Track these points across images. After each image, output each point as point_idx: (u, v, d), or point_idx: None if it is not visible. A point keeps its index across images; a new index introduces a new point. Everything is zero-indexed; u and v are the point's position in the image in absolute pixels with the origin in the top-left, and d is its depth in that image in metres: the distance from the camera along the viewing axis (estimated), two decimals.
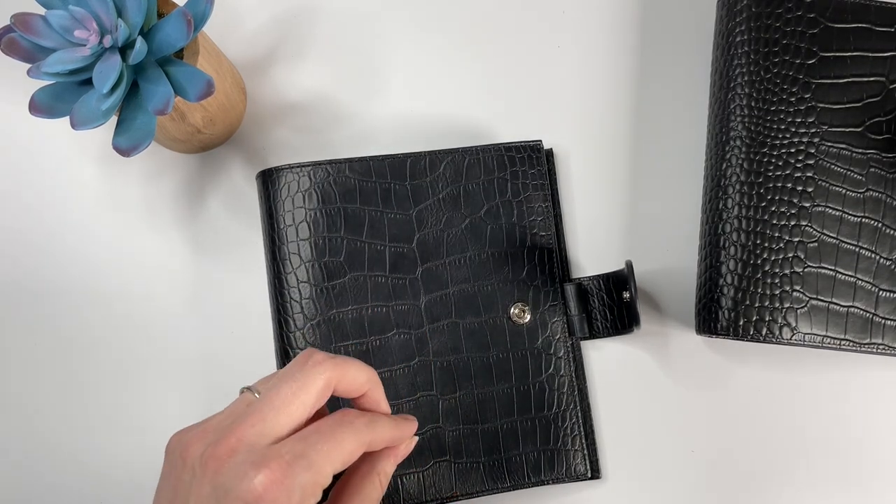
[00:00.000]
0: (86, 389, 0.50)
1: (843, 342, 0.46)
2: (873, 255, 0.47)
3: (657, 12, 0.55)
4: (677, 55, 0.54)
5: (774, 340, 0.45)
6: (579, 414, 0.48)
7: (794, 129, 0.47)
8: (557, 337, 0.49)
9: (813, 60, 0.48)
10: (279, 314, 0.48)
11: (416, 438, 0.41)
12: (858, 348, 0.46)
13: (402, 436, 0.39)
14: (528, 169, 0.50)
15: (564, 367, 0.48)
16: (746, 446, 0.49)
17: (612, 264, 0.51)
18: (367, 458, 0.39)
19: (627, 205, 0.52)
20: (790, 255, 0.46)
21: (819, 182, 0.47)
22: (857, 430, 0.49)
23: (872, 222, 0.47)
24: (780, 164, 0.47)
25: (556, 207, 0.52)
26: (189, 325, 0.51)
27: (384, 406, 0.40)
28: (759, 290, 0.46)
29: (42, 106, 0.44)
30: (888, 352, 0.46)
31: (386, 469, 0.39)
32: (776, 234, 0.46)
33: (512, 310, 0.49)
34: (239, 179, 0.53)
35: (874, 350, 0.46)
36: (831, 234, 0.46)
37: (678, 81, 0.54)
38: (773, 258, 0.46)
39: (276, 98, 0.54)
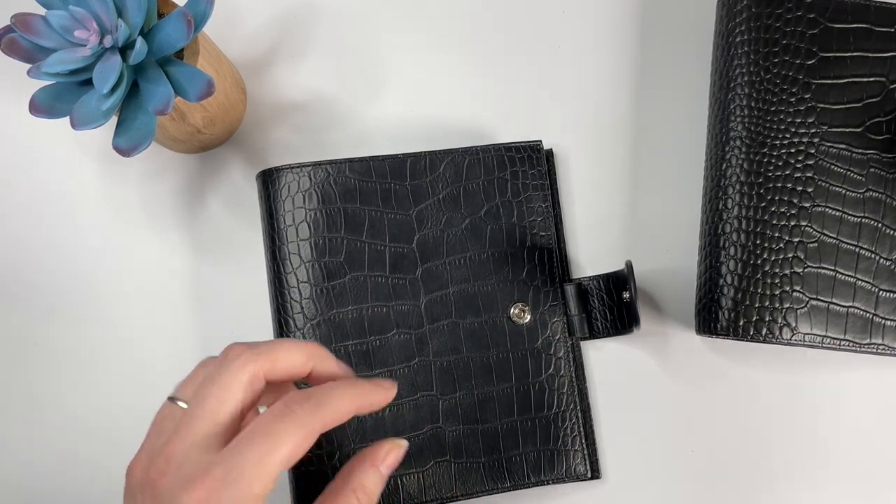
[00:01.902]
0: (85, 389, 0.50)
1: (843, 342, 0.46)
2: (873, 256, 0.47)
3: (657, 12, 0.55)
4: (677, 55, 0.54)
5: (774, 340, 0.45)
6: (579, 414, 0.48)
7: (794, 130, 0.47)
8: (557, 337, 0.49)
9: (813, 61, 0.48)
10: (279, 314, 0.48)
11: (403, 445, 0.37)
12: (858, 348, 0.46)
13: (369, 402, 0.35)
14: (527, 169, 0.50)
15: (564, 367, 0.49)
16: (746, 446, 0.49)
17: (612, 264, 0.51)
18: (341, 475, 0.36)
19: (627, 205, 0.52)
20: (790, 255, 0.46)
21: (819, 182, 0.47)
22: (857, 429, 0.49)
23: (872, 222, 0.47)
24: (780, 164, 0.47)
25: (555, 207, 0.52)
26: (189, 325, 0.51)
27: (341, 373, 0.37)
28: (759, 290, 0.46)
29: (42, 106, 0.44)
30: (888, 352, 0.46)
31: (365, 483, 0.35)
32: (776, 235, 0.46)
33: (512, 310, 0.49)
34: (239, 179, 0.53)
35: (874, 350, 0.46)
36: (831, 235, 0.46)
37: (678, 81, 0.54)
38: (773, 258, 0.46)
39: (276, 98, 0.54)
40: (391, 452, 0.36)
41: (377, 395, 0.36)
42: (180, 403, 0.34)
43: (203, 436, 0.32)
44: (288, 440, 0.32)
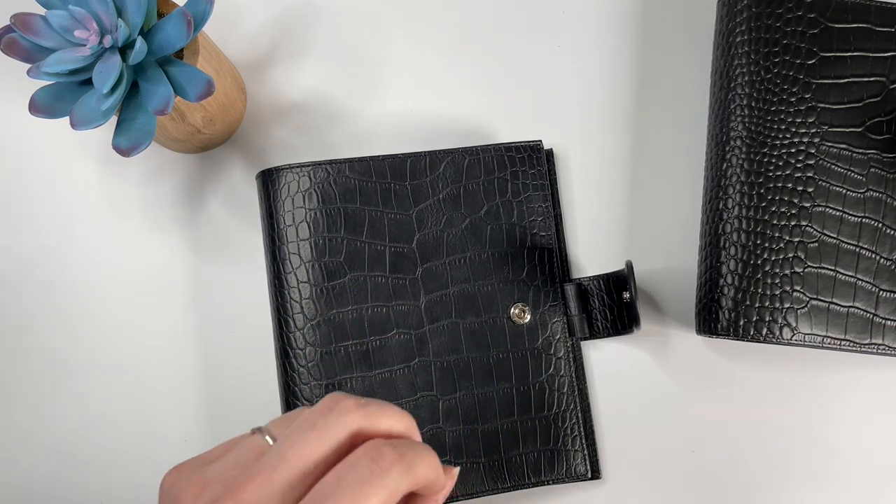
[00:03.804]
0: (84, 389, 0.50)
1: (843, 342, 0.46)
2: (873, 256, 0.47)
3: (657, 12, 0.55)
4: (677, 55, 0.54)
5: (775, 340, 0.45)
6: (579, 414, 0.48)
7: (794, 129, 0.47)
8: (557, 337, 0.49)
9: (813, 60, 0.48)
10: (279, 314, 0.48)
11: (457, 472, 0.35)
12: (858, 348, 0.46)
13: (440, 480, 0.32)
14: (528, 169, 0.50)
15: (564, 368, 0.48)
16: (746, 446, 0.49)
17: (612, 264, 0.51)
18: None
19: (627, 205, 0.52)
20: (790, 255, 0.46)
21: (819, 182, 0.47)
22: (857, 429, 0.49)
23: (873, 222, 0.47)
24: (781, 164, 0.47)
25: (556, 207, 0.52)
26: (189, 325, 0.51)
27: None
28: (760, 290, 0.46)
29: (42, 106, 0.44)
30: (888, 352, 0.46)
31: None
32: (776, 234, 0.46)
33: (512, 310, 0.49)
34: (239, 179, 0.53)
35: (874, 350, 0.46)
36: (831, 235, 0.46)
37: (678, 81, 0.54)
38: (773, 258, 0.46)
39: (276, 98, 0.54)
40: (448, 483, 0.34)
41: (449, 476, 0.34)
42: (267, 438, 0.31)
43: (286, 484, 0.29)
44: (374, 502, 0.29)
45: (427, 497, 0.33)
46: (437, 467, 0.32)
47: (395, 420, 0.32)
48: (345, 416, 0.31)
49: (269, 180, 0.49)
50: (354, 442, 0.31)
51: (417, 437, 0.33)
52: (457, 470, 0.35)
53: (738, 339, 0.46)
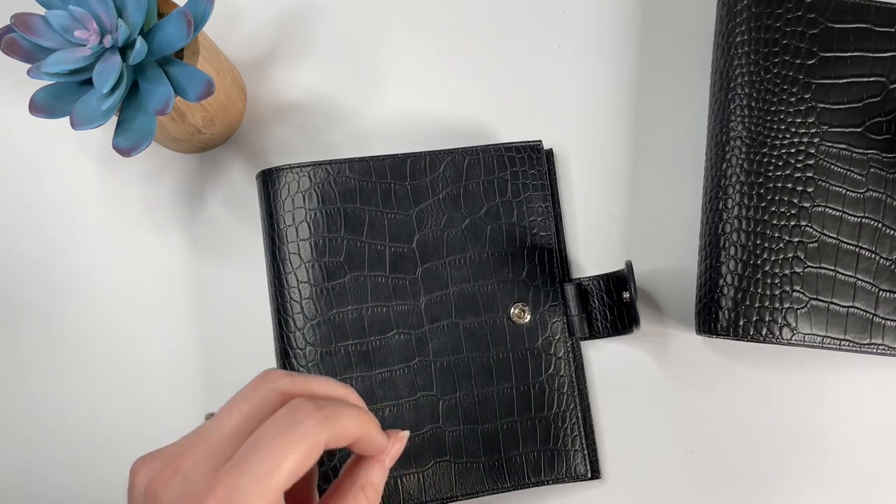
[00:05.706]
0: (85, 390, 0.50)
1: (843, 342, 0.46)
2: (873, 256, 0.47)
3: (657, 12, 0.55)
4: (677, 55, 0.54)
5: (774, 341, 0.45)
6: (579, 414, 0.48)
7: (794, 130, 0.47)
8: (557, 337, 0.49)
9: (813, 61, 0.48)
10: (279, 314, 0.48)
11: (405, 435, 0.37)
12: (858, 348, 0.46)
13: (375, 435, 0.35)
14: (528, 169, 0.50)
15: (564, 368, 0.49)
16: (747, 446, 0.49)
17: (612, 264, 0.51)
18: (349, 472, 0.36)
19: (627, 205, 0.52)
20: (790, 255, 0.46)
21: (819, 182, 0.47)
22: (857, 430, 0.49)
23: (872, 222, 0.47)
24: (780, 164, 0.47)
25: (556, 207, 0.52)
26: (188, 325, 0.51)
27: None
28: (759, 290, 0.46)
29: (42, 106, 0.44)
30: (888, 352, 0.46)
31: (372, 479, 0.35)
32: (776, 235, 0.46)
33: (512, 310, 0.49)
34: (239, 179, 0.53)
35: (874, 350, 0.46)
36: (831, 235, 0.46)
37: (678, 81, 0.54)
38: (773, 258, 0.46)
39: (276, 98, 0.54)
40: (395, 445, 0.36)
41: (382, 435, 0.35)
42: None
43: (218, 446, 0.31)
44: (292, 455, 0.31)
45: (372, 458, 0.36)
46: (363, 421, 0.34)
47: (329, 386, 0.34)
48: (273, 382, 0.33)
49: (269, 180, 0.49)
50: (283, 402, 0.33)
51: (356, 402, 0.35)
52: (405, 433, 0.37)
53: (738, 339, 0.46)
